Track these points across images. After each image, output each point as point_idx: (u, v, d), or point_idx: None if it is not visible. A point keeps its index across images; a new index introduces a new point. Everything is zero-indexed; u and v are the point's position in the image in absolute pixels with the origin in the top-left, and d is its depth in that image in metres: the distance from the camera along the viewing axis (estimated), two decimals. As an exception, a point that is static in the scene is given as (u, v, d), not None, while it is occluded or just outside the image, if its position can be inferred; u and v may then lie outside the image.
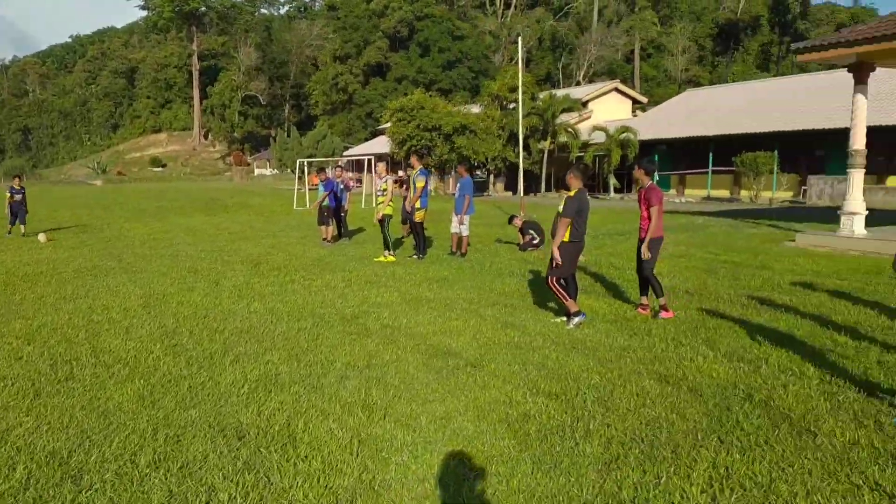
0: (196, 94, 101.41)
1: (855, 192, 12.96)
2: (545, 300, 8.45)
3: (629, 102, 44.64)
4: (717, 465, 3.79)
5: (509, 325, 7.18)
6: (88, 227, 20.12)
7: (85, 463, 3.98)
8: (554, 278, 7.20)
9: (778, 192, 29.25)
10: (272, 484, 3.73)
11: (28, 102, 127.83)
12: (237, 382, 5.38)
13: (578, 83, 64.20)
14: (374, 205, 12.96)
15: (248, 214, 25.19)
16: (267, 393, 5.14)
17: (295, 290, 9.49)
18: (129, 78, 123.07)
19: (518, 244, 13.86)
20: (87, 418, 4.65)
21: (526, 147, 36.84)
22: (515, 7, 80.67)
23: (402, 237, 15.31)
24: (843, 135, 13.32)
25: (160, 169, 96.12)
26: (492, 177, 40.68)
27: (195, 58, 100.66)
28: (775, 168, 29.06)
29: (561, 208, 7.18)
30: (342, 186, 15.42)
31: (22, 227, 17.62)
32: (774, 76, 53.97)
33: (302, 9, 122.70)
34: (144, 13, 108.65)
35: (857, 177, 12.96)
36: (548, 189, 38.18)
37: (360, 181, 42.49)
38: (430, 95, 36.20)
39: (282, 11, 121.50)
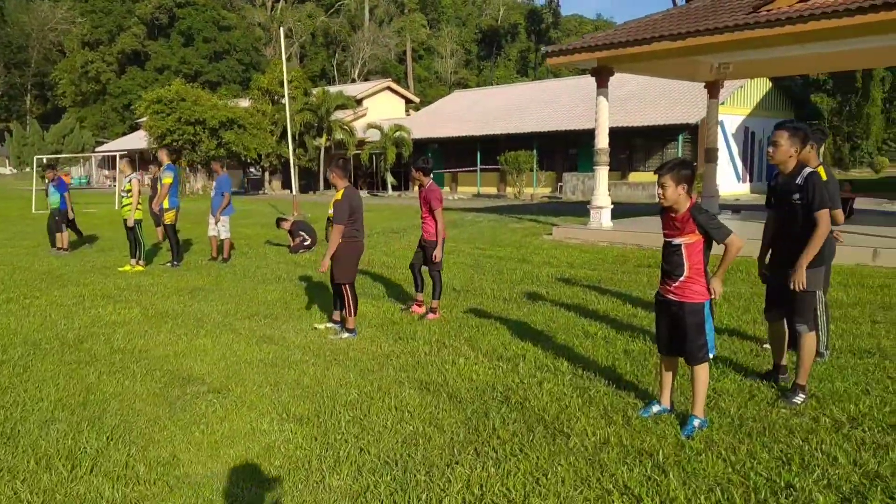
0: None
1: (601, 188, 14.04)
2: (312, 306, 7.90)
3: (403, 102, 45.41)
4: (472, 483, 3.53)
5: (266, 339, 6.52)
6: None
7: None
8: (346, 284, 6.62)
9: (538, 189, 31.41)
10: None
11: None
12: None
13: (354, 80, 64.13)
14: (119, 207, 11.42)
15: (-31, 221, 21.35)
16: (-67, 454, 4.01)
17: (10, 311, 7.94)
18: None
19: (289, 246, 13.12)
20: None
21: (302, 144, 35.85)
22: (286, 0, 78.49)
23: (159, 242, 13.77)
24: (592, 135, 14.37)
25: None
26: (267, 174, 39.04)
27: None
28: (535, 166, 31.18)
29: (331, 213, 6.62)
30: (53, 187, 13.37)
31: None
32: (534, 80, 58.34)
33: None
34: None
35: (602, 174, 14.05)
36: (326, 187, 37.49)
37: (114, 179, 38.42)
38: (193, 87, 33.65)
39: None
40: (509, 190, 31.67)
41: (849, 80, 43.12)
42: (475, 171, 34.01)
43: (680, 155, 26.99)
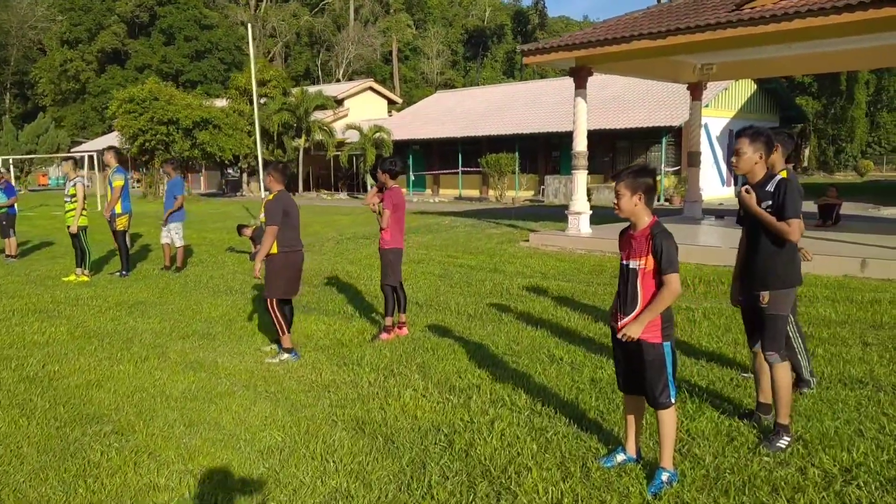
0: None
1: (579, 193, 13.45)
2: (257, 323, 7.26)
3: (385, 102, 44.74)
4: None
5: (196, 364, 5.86)
6: None
7: None
8: (273, 301, 5.99)
9: (520, 192, 30.82)
10: None
11: None
12: None
13: (338, 80, 63.33)
14: (63, 213, 10.75)
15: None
16: None
17: (-74, 329, 7.24)
18: None
19: (250, 254, 12.43)
20: None
21: (281, 145, 35.08)
22: (270, -1, 77.53)
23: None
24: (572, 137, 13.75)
25: None
26: (245, 175, 38.23)
27: None
28: (517, 168, 30.59)
29: (262, 216, 6.05)
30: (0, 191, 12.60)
31: None
32: (519, 81, 57.76)
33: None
34: None
35: (580, 178, 13.45)
36: (306, 188, 36.78)
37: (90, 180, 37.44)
38: (169, 86, 32.78)
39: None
40: (491, 193, 31.09)
41: (833, 82, 42.94)
42: (456, 173, 33.38)
43: (663, 157, 26.52)
